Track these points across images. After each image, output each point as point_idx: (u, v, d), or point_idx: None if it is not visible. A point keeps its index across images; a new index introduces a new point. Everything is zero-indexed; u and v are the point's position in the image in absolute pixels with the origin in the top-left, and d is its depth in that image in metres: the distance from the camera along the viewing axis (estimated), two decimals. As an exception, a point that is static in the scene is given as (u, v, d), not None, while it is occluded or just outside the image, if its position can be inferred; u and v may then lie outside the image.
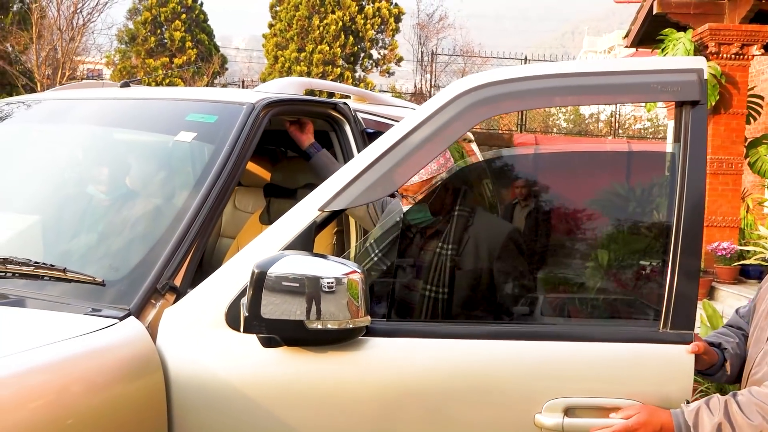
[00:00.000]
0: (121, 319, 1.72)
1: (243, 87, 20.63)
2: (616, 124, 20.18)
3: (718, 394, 1.71)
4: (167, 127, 2.38)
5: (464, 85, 1.80)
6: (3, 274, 1.91)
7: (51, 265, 1.88)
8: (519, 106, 1.83)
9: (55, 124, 2.61)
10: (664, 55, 8.62)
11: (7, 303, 1.79)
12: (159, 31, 21.74)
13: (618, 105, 17.67)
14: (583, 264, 2.16)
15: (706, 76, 1.76)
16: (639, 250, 2.06)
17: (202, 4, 22.49)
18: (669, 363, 1.71)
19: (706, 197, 1.70)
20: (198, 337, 1.74)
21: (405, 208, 2.47)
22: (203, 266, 3.24)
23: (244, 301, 1.64)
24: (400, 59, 22.29)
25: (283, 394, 1.70)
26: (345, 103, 2.77)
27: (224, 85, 21.94)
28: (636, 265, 2.08)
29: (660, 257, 1.89)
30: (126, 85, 2.75)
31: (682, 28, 8.61)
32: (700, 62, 1.78)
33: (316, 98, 2.81)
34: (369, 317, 1.66)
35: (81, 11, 17.43)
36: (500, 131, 17.70)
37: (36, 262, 1.89)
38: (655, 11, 8.58)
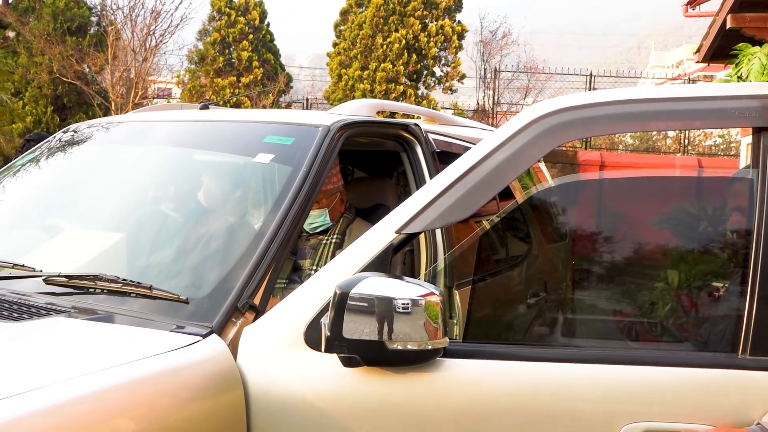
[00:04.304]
0: (204, 336, 1.77)
1: (307, 105, 21.00)
2: (686, 141, 19.62)
3: None
4: (246, 148, 2.46)
5: (543, 109, 1.80)
6: (93, 290, 2.00)
7: (138, 283, 1.96)
8: (594, 131, 1.88)
9: (139, 146, 2.73)
10: (738, 70, 8.36)
11: (97, 318, 1.88)
12: (227, 51, 22.39)
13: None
14: (655, 285, 2.13)
15: None
16: (716, 274, 2.02)
17: (268, 24, 23.07)
18: (749, 389, 1.69)
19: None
20: (277, 356, 1.77)
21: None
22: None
23: (325, 321, 1.67)
24: (463, 76, 22.31)
25: (362, 414, 1.71)
26: (416, 125, 2.79)
27: (288, 104, 22.39)
28: (712, 288, 2.05)
29: (738, 281, 1.87)
30: (205, 107, 2.86)
31: (758, 43, 8.33)
32: None
33: (388, 120, 2.85)
34: (447, 339, 1.67)
35: (154, 33, 18.17)
36: (564, 148, 17.44)
37: (124, 279, 1.97)
38: (728, 26, 8.34)
